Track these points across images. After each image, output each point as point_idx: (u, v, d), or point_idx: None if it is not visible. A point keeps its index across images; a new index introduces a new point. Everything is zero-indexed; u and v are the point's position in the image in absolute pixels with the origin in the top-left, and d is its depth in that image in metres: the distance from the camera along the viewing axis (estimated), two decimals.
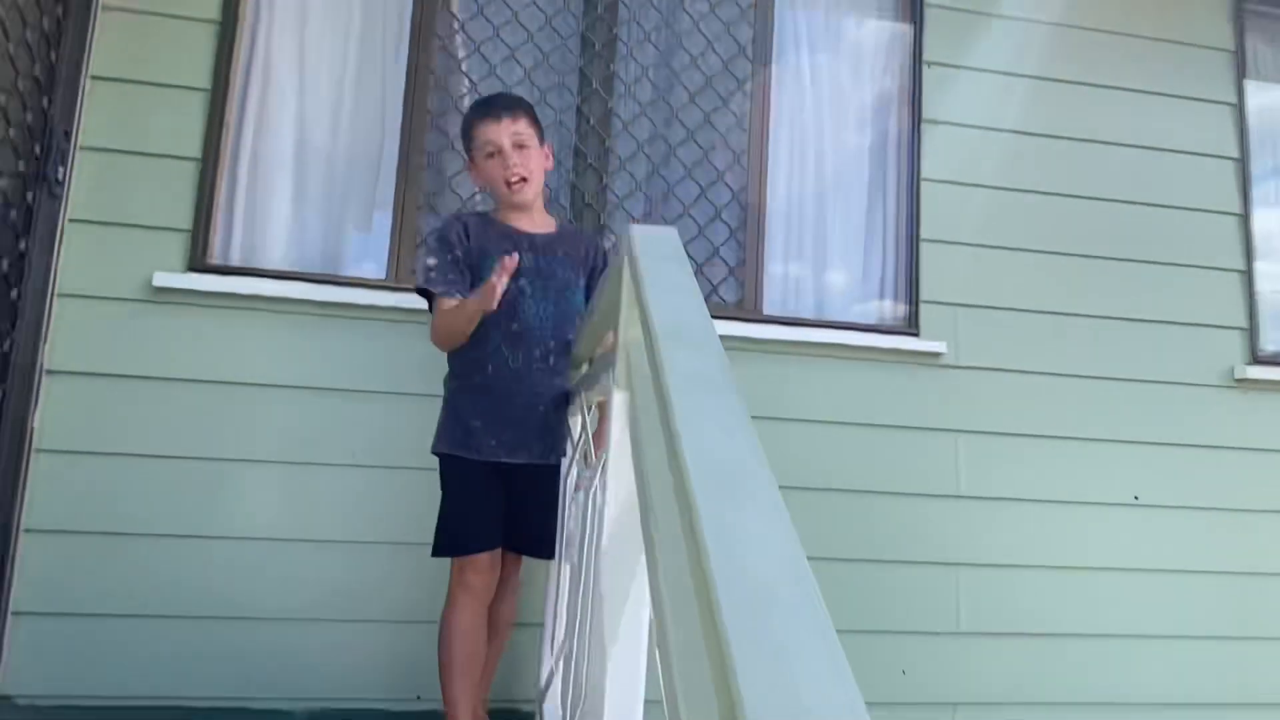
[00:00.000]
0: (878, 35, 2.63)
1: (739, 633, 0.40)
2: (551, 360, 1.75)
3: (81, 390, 1.97)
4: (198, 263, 2.05)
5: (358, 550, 2.04)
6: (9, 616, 1.86)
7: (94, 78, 2.05)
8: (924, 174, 2.49)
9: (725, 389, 0.63)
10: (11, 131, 1.80)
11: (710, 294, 2.40)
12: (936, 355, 2.40)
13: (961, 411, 2.40)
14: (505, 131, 1.70)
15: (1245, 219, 2.64)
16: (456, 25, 2.35)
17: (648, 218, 2.42)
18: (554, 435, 1.74)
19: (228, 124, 2.15)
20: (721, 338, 0.77)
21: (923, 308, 2.43)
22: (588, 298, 1.81)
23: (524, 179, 1.71)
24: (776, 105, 2.51)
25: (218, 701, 1.93)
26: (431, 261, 1.73)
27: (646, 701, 0.97)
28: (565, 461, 1.81)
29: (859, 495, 2.31)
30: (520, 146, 1.71)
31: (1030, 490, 2.40)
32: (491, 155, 1.71)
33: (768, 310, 2.41)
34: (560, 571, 1.70)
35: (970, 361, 2.42)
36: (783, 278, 2.49)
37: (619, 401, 1.04)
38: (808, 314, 2.48)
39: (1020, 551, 2.37)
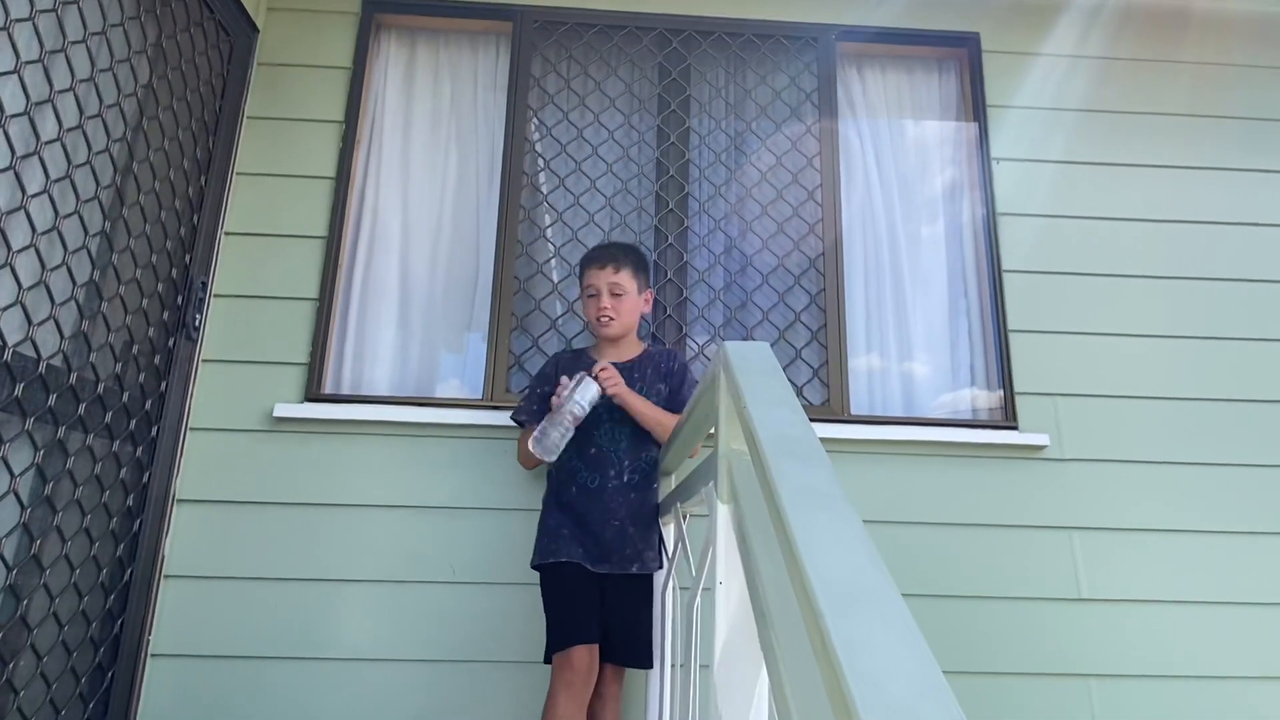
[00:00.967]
0: (943, 134, 2.71)
1: None
2: (627, 478, 1.86)
3: (207, 518, 2.11)
4: (313, 393, 2.21)
5: (462, 669, 2.05)
6: None
7: (227, 233, 2.31)
8: (1004, 266, 2.48)
9: (838, 502, 0.64)
10: (159, 286, 2.03)
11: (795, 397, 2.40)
12: (1039, 448, 2.30)
13: (1073, 507, 2.27)
14: (605, 279, 1.93)
15: None
16: (542, 164, 2.55)
17: (727, 326, 2.48)
18: (634, 546, 1.82)
19: (340, 265, 2.36)
20: (816, 436, 0.79)
21: (1019, 400, 2.36)
22: (668, 402, 1.93)
23: (610, 319, 1.92)
24: (848, 210, 2.58)
25: None
26: (525, 394, 2.01)
27: None
28: (661, 574, 1.81)
29: (968, 601, 2.18)
30: (615, 294, 1.92)
31: (1162, 590, 2.22)
32: (591, 296, 1.94)
33: (855, 410, 2.39)
34: (662, 683, 1.67)
35: (1077, 453, 2.32)
36: (867, 377, 2.48)
37: (724, 514, 1.05)
38: (896, 412, 2.44)
39: (1159, 660, 2.16)
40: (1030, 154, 2.60)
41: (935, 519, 2.24)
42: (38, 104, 1.58)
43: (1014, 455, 2.31)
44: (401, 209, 2.50)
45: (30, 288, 1.56)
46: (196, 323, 2.16)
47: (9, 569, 1.53)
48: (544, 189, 2.55)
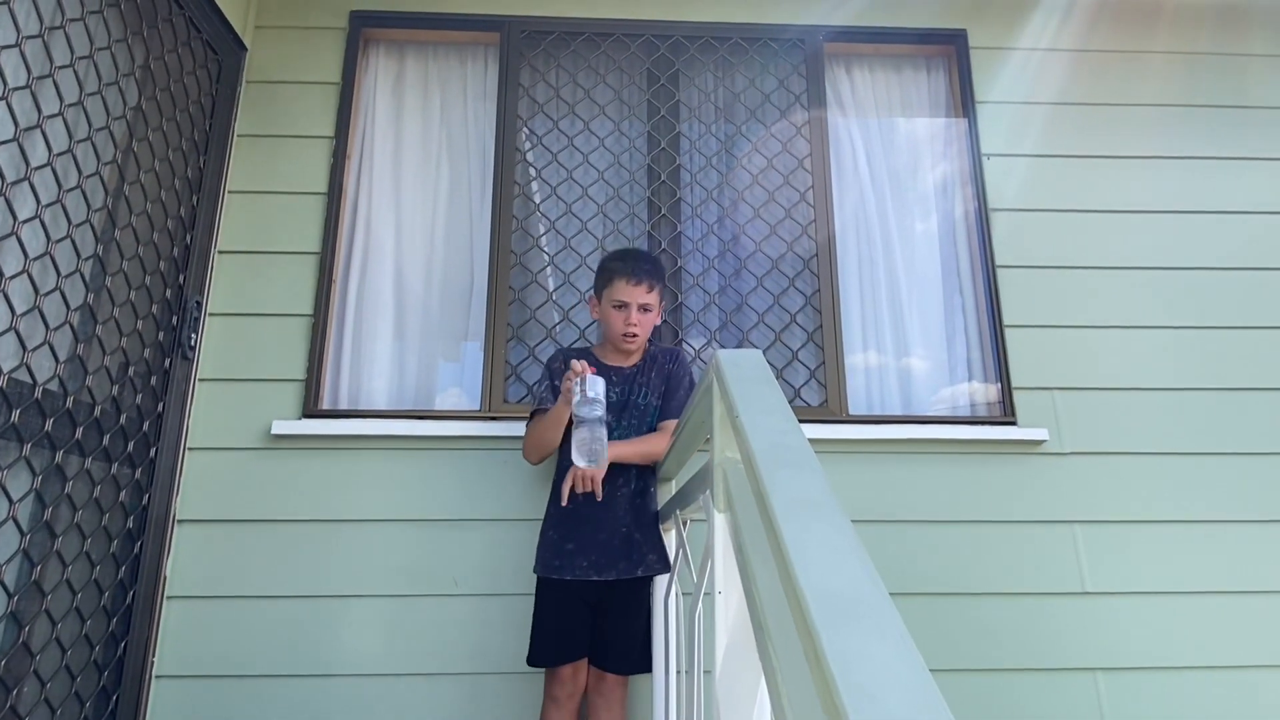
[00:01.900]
0: (932, 131, 2.71)
1: None
2: (634, 485, 1.88)
3: (207, 538, 2.10)
4: (310, 409, 2.21)
5: (466, 682, 2.04)
6: None
7: (221, 252, 2.31)
8: (998, 261, 2.48)
9: (832, 511, 0.64)
10: (154, 307, 2.03)
11: (793, 399, 2.41)
12: (1038, 443, 2.30)
13: (1074, 500, 2.27)
14: (638, 295, 1.91)
15: None
16: (533, 173, 2.56)
17: (723, 330, 2.48)
18: (640, 551, 1.84)
19: (334, 280, 2.36)
20: (808, 441, 0.80)
21: (1017, 395, 2.36)
22: (664, 402, 1.95)
23: (636, 335, 1.93)
24: (840, 210, 2.59)
25: None
26: (541, 388, 1.99)
27: None
28: (662, 580, 1.81)
29: (972, 598, 2.18)
30: (643, 311, 1.92)
31: (1166, 582, 2.21)
32: (618, 308, 1.92)
33: (853, 410, 2.39)
34: (667, 691, 1.67)
35: (1076, 447, 2.32)
36: (865, 377, 2.48)
37: (720, 523, 1.05)
38: (894, 411, 2.44)
39: (1165, 651, 2.16)
40: (1020, 149, 2.60)
41: (937, 517, 2.23)
42: (27, 129, 1.58)
43: (1013, 450, 2.31)
44: (394, 222, 2.50)
45: (24, 313, 1.56)
46: (192, 342, 2.17)
47: (10, 596, 1.53)
48: (536, 198, 2.55)
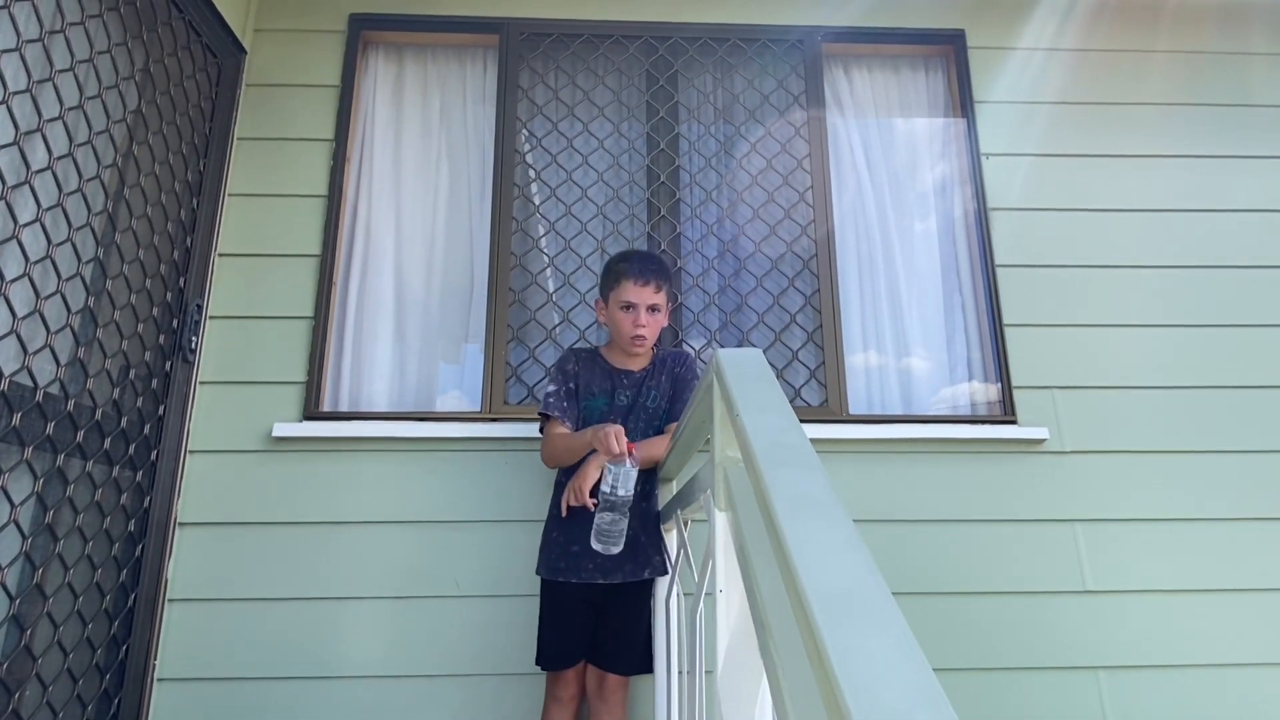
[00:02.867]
0: (931, 131, 2.72)
1: None
2: (640, 487, 1.83)
3: (209, 540, 2.11)
4: (311, 411, 2.21)
5: (467, 683, 2.04)
6: None
7: (221, 255, 2.32)
8: (998, 260, 2.48)
9: (832, 509, 0.64)
10: (155, 310, 2.03)
11: (793, 399, 2.41)
12: (1039, 442, 2.31)
13: (1075, 499, 2.27)
14: (646, 296, 1.89)
15: None
16: (533, 174, 2.56)
17: (723, 330, 2.48)
18: (646, 553, 1.84)
19: (335, 282, 2.36)
20: (809, 441, 0.80)
21: (1017, 394, 2.36)
22: (671, 405, 1.95)
23: (645, 338, 1.91)
24: (840, 210, 2.59)
25: None
26: (551, 389, 1.94)
27: None
28: (664, 581, 1.81)
29: (974, 597, 2.18)
30: (652, 311, 1.91)
31: (1168, 580, 2.21)
32: (626, 309, 1.89)
33: (853, 410, 2.39)
34: (669, 691, 1.67)
35: (1077, 445, 2.32)
36: (865, 376, 2.48)
37: (721, 522, 1.05)
38: (895, 411, 2.44)
39: (1167, 649, 2.16)
40: (1019, 148, 2.61)
41: (938, 516, 2.23)
42: (27, 133, 1.58)
43: (1014, 449, 2.31)
44: (394, 224, 2.51)
45: (25, 317, 1.56)
46: (193, 345, 2.17)
47: (12, 599, 1.53)
48: (536, 199, 2.55)
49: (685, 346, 2.42)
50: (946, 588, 2.17)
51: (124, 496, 1.90)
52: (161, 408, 2.06)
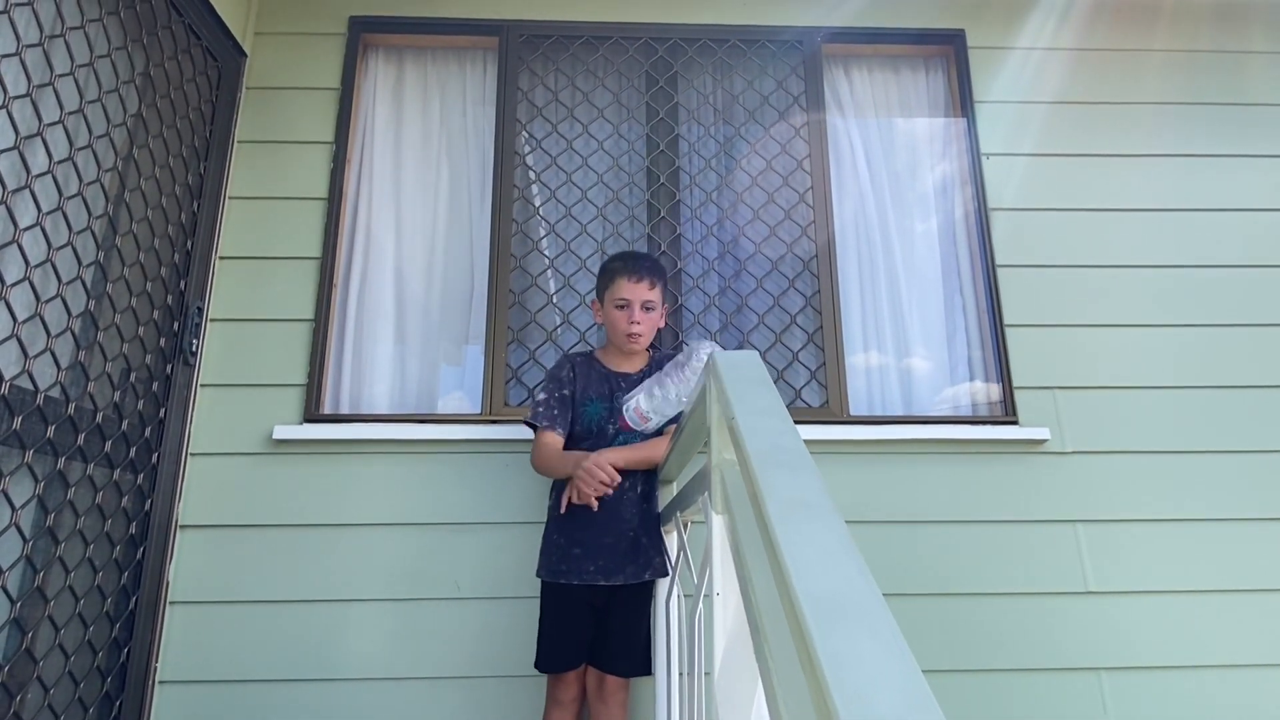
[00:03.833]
0: (931, 131, 2.71)
1: None
2: (640, 488, 1.88)
3: (210, 543, 2.11)
4: (312, 413, 2.21)
5: (468, 686, 2.04)
6: None
7: (222, 258, 2.32)
8: (998, 260, 2.48)
9: (826, 512, 0.64)
10: (155, 313, 2.04)
11: (793, 400, 2.41)
12: (1040, 442, 2.30)
13: (1077, 500, 2.26)
14: (640, 293, 1.89)
15: None
16: (533, 176, 2.56)
17: (723, 331, 2.48)
18: (647, 555, 1.84)
19: (335, 285, 2.37)
20: (809, 442, 0.80)
21: (1018, 394, 2.36)
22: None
23: (640, 334, 1.91)
24: (840, 211, 2.59)
25: None
26: (541, 397, 1.93)
27: None
28: (664, 582, 1.81)
29: (975, 598, 2.17)
30: (646, 309, 1.90)
31: (1170, 581, 2.21)
32: (621, 307, 1.90)
33: (854, 411, 2.39)
34: (669, 692, 1.67)
35: (1078, 446, 2.31)
36: (865, 377, 2.48)
37: (718, 525, 1.05)
38: (895, 411, 2.44)
39: (1170, 651, 2.15)
40: (1020, 148, 2.60)
41: (938, 517, 2.23)
42: (27, 138, 1.59)
43: (1015, 450, 2.30)
44: (394, 227, 2.51)
45: (26, 320, 1.57)
46: (193, 348, 2.17)
47: (13, 602, 1.54)
48: (535, 201, 2.55)
49: (685, 348, 2.42)
50: (948, 589, 2.17)
51: (125, 499, 1.90)
52: (162, 410, 2.07)
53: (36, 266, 1.60)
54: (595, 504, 1.74)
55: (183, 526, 2.11)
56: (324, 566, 2.11)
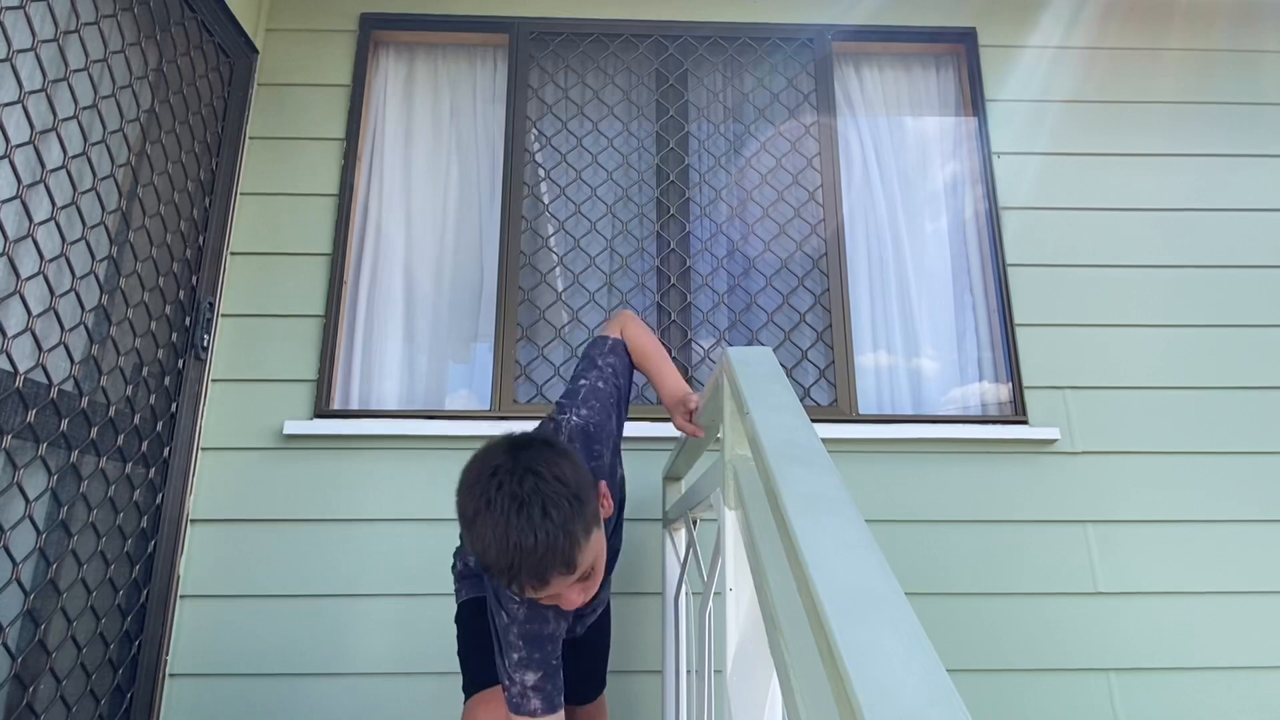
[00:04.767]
0: (942, 130, 2.70)
1: None
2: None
3: (220, 537, 2.12)
4: (322, 409, 2.22)
5: None
6: None
7: (233, 254, 2.33)
8: (1009, 260, 2.47)
9: (843, 507, 0.64)
10: (167, 308, 2.05)
11: (802, 398, 2.40)
12: (1050, 442, 2.29)
13: (1087, 500, 2.26)
14: (563, 586, 1.10)
15: None
16: (543, 174, 2.57)
17: (732, 329, 2.48)
18: (603, 594, 1.60)
19: (345, 281, 2.37)
20: (820, 440, 0.80)
21: (1028, 394, 2.35)
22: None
23: (590, 598, 1.31)
24: (850, 209, 2.58)
25: None
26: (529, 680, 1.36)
27: None
28: (673, 580, 1.81)
29: (984, 598, 2.17)
30: (584, 579, 1.20)
31: (1180, 582, 2.20)
32: (550, 603, 1.27)
33: (863, 410, 2.38)
34: (678, 691, 1.67)
35: (1088, 446, 2.30)
36: (875, 376, 2.47)
37: (731, 520, 1.05)
38: (905, 410, 2.43)
39: (1180, 652, 2.14)
40: (1031, 147, 2.59)
41: (947, 517, 2.22)
42: (42, 133, 1.59)
43: (1025, 450, 2.30)
44: (404, 223, 2.52)
45: (40, 314, 1.58)
46: (205, 343, 2.18)
47: (27, 594, 1.55)
48: (545, 199, 2.55)
49: (694, 346, 2.42)
50: (957, 588, 2.17)
51: (137, 493, 1.91)
52: (174, 405, 2.08)
53: (51, 260, 1.61)
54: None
55: (193, 521, 2.12)
56: (333, 561, 2.12)
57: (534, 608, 1.25)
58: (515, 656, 1.24)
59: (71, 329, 1.67)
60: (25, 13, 1.56)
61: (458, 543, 2.14)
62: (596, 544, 1.12)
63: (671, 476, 1.94)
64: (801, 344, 2.45)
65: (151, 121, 1.99)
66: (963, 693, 0.46)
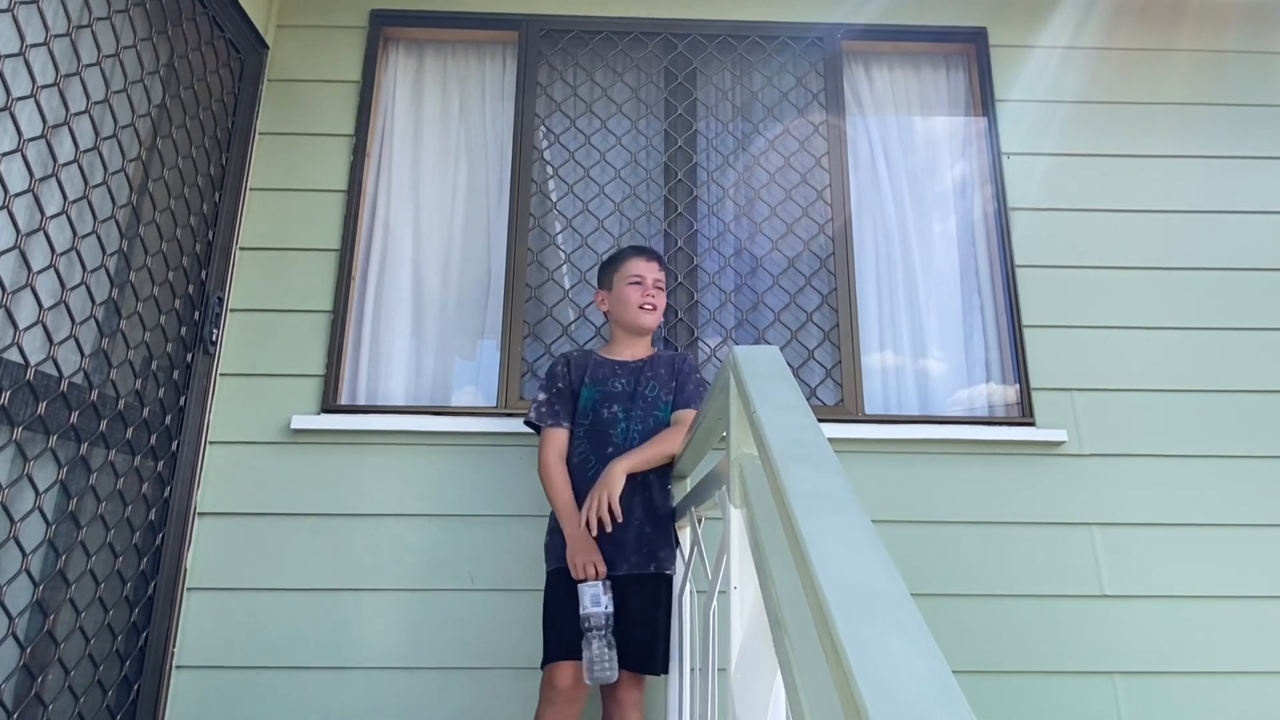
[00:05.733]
0: (951, 130, 2.69)
1: None
2: (642, 477, 1.85)
3: (227, 530, 2.13)
4: (329, 404, 2.23)
5: (480, 676, 2.06)
6: None
7: (242, 248, 2.34)
8: (1017, 260, 2.46)
9: (849, 506, 0.64)
10: (177, 302, 2.06)
11: (809, 398, 2.40)
12: (1057, 444, 2.28)
13: (1093, 502, 2.25)
14: (652, 271, 1.99)
15: None
16: (550, 171, 2.57)
17: (739, 328, 2.48)
18: (651, 546, 1.81)
19: (353, 277, 2.38)
20: (826, 439, 0.80)
21: (1035, 395, 2.34)
22: (675, 395, 1.94)
23: (654, 307, 1.98)
24: (858, 209, 2.58)
25: None
26: (541, 398, 1.95)
27: None
28: (677, 577, 1.81)
29: (989, 599, 2.16)
30: (658, 287, 1.99)
31: (1186, 586, 2.19)
32: (635, 283, 1.97)
33: (869, 410, 2.38)
34: (681, 687, 1.67)
35: (1095, 448, 2.29)
36: (881, 376, 2.47)
37: (736, 518, 1.05)
38: (912, 411, 2.43)
39: (1185, 656, 2.13)
40: (1041, 147, 2.58)
41: (953, 517, 2.22)
42: (54, 127, 1.60)
43: (1032, 451, 2.29)
44: (412, 219, 2.52)
45: (50, 307, 1.59)
46: (214, 337, 2.19)
47: (36, 584, 1.56)
48: (553, 196, 2.56)
49: (700, 344, 2.42)
50: (962, 590, 2.16)
51: (145, 486, 1.92)
52: (182, 399, 2.09)
53: (62, 254, 1.62)
54: (620, 514, 1.71)
55: (201, 514, 2.13)
56: (339, 556, 2.13)
57: (575, 362, 1.98)
58: (542, 389, 1.96)
59: (82, 322, 1.68)
60: (39, 7, 1.57)
61: (461, 540, 2.15)
62: (664, 298, 2.02)
63: (677, 475, 1.94)
64: (808, 343, 2.45)
65: (162, 116, 2.00)
66: (967, 694, 0.46)
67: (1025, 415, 2.33)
